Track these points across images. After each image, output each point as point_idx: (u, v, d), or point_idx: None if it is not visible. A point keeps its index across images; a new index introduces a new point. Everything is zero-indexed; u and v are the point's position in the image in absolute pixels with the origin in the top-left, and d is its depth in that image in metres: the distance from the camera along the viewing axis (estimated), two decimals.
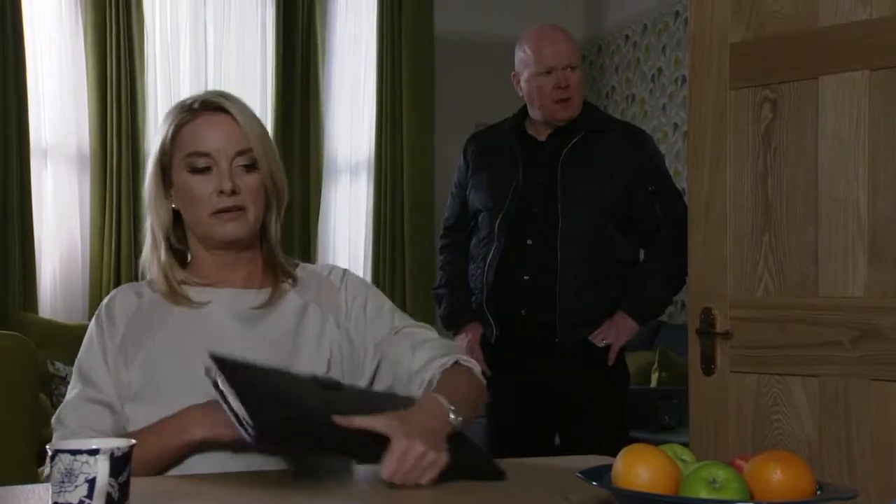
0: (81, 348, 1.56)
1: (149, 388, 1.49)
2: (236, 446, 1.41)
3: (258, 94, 5.44)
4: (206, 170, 1.53)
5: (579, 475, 1.13)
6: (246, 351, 1.47)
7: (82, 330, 5.61)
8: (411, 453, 1.29)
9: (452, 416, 1.39)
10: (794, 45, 1.89)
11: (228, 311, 1.56)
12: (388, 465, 1.29)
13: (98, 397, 1.50)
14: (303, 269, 1.67)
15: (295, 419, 1.32)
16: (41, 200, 4.97)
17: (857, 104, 1.81)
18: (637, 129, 2.99)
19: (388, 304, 1.67)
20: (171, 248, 1.59)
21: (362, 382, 1.58)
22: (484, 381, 1.61)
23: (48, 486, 1.05)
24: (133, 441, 1.07)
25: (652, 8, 5.67)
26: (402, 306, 5.65)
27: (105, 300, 1.60)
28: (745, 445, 1.91)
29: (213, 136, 1.53)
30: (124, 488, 1.04)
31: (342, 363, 1.57)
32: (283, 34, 5.49)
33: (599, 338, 2.69)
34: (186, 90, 5.34)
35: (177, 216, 1.60)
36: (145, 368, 1.51)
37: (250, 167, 1.55)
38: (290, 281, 1.62)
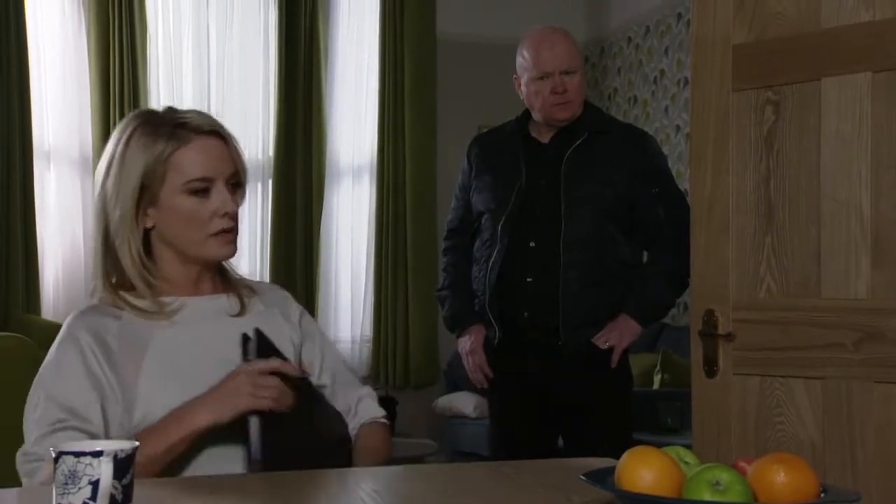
0: (52, 374, 1.50)
1: (157, 403, 1.49)
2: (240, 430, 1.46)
3: (260, 97, 5.45)
4: (204, 192, 1.56)
5: (583, 477, 1.13)
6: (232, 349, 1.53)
7: None
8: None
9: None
10: (797, 47, 1.89)
11: (205, 317, 1.60)
12: None
13: (86, 428, 1.46)
14: (257, 283, 1.77)
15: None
16: (44, 202, 4.98)
17: (860, 106, 1.80)
18: (640, 130, 2.99)
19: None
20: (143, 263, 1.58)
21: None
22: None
23: (49, 487, 1.05)
24: (137, 443, 1.07)
25: (654, 9, 5.67)
26: (405, 308, 5.66)
27: (72, 327, 1.53)
28: (748, 448, 1.91)
29: (211, 161, 1.56)
30: (128, 490, 1.04)
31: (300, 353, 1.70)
32: (285, 36, 5.49)
33: (602, 340, 2.69)
34: (189, 92, 5.35)
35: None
36: (149, 385, 1.51)
37: (236, 186, 1.60)
38: (248, 290, 1.70)
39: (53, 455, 1.03)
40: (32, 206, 4.86)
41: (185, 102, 5.28)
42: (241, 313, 1.63)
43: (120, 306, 1.57)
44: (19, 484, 1.45)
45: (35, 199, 4.87)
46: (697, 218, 2.01)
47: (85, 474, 1.01)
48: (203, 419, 1.43)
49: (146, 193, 1.55)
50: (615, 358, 2.69)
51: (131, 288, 1.58)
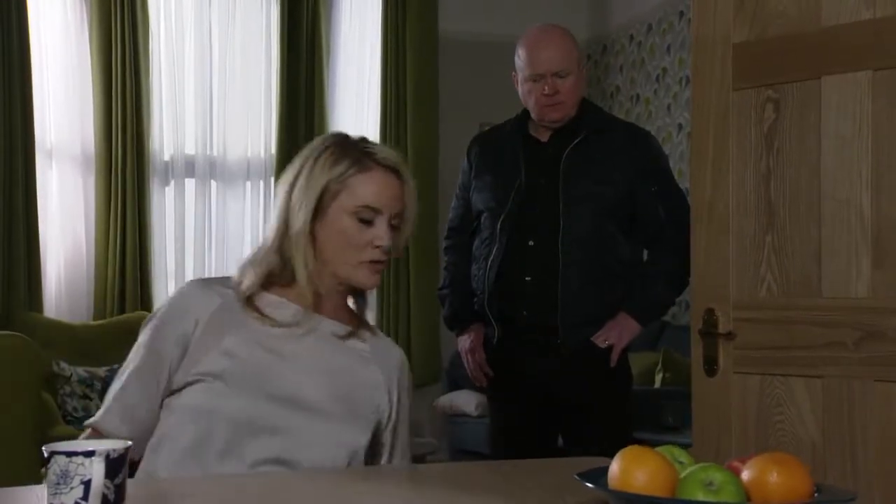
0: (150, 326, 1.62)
1: (222, 375, 1.55)
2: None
3: (262, 95, 5.44)
4: (369, 221, 1.63)
5: (577, 476, 1.13)
6: (303, 366, 1.60)
7: (87, 330, 5.62)
8: None
9: None
10: (797, 46, 1.88)
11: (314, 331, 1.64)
12: None
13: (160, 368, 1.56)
14: (382, 335, 1.77)
15: None
16: (46, 201, 4.98)
17: (861, 104, 1.80)
18: (640, 129, 2.98)
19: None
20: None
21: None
22: None
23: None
24: (129, 443, 1.07)
25: (656, 7, 5.66)
26: (407, 307, 5.66)
27: (184, 289, 1.66)
28: (748, 446, 1.91)
29: (386, 196, 1.64)
30: (120, 490, 1.04)
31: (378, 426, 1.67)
32: (287, 34, 5.49)
33: (601, 339, 2.68)
34: (191, 90, 5.34)
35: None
36: (221, 358, 1.56)
37: (395, 227, 1.66)
38: (368, 333, 1.72)
39: (45, 455, 1.03)
40: (35, 204, 4.86)
41: (187, 101, 5.29)
42: (344, 336, 1.66)
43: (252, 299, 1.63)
44: (19, 484, 1.45)
45: (37, 198, 4.88)
46: (697, 217, 2.01)
47: (77, 474, 1.01)
48: None
49: (319, 207, 1.63)
50: (615, 357, 2.69)
51: (279, 284, 1.65)
